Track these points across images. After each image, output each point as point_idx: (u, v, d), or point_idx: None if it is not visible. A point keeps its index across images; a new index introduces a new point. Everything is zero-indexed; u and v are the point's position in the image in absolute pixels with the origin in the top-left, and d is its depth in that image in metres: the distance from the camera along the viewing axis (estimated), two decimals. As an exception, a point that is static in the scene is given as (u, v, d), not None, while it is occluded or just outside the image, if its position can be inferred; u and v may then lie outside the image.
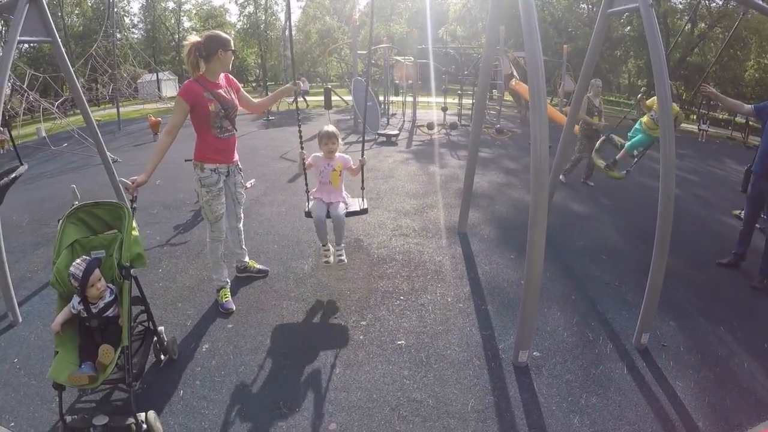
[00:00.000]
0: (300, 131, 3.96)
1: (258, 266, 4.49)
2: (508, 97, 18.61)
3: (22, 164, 5.29)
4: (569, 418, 2.72)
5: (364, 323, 3.69)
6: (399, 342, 3.43)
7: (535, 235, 2.84)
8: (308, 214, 3.95)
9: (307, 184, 4.09)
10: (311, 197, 4.05)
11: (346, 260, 4.04)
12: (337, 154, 3.95)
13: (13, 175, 5.11)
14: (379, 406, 2.82)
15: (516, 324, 3.27)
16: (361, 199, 4.19)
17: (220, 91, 3.54)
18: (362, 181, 4.24)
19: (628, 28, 25.45)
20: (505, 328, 3.57)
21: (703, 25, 23.25)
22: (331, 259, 3.99)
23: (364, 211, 4.13)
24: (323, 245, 4.02)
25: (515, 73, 14.58)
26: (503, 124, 12.80)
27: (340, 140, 3.98)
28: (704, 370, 3.15)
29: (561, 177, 7.35)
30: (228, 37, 3.51)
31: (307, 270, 4.60)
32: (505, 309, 3.85)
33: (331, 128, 3.92)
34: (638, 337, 3.37)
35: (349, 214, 4.03)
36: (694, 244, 5.33)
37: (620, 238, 5.45)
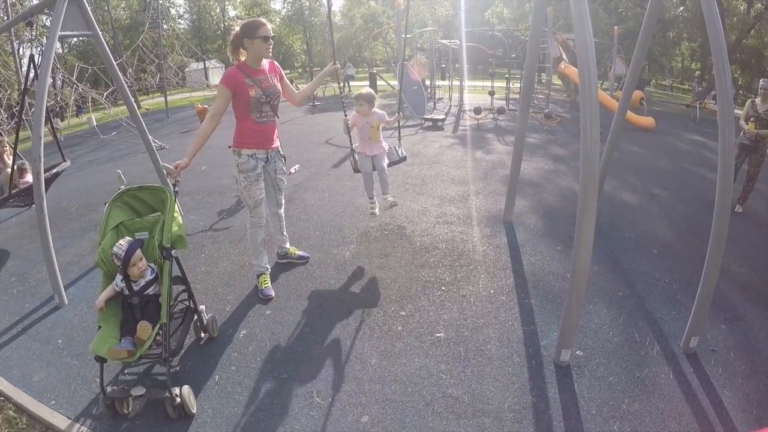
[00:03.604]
0: (344, 107, 4.56)
1: (299, 253, 4.50)
2: (557, 80, 18.02)
3: (65, 160, 5.50)
4: (609, 424, 2.57)
5: (403, 313, 3.63)
6: (438, 334, 3.35)
7: (584, 227, 2.68)
8: (356, 170, 4.60)
9: (351, 142, 4.61)
10: (356, 152, 4.60)
11: (397, 202, 4.89)
12: (375, 110, 4.40)
13: (56, 170, 5.38)
14: (413, 401, 2.76)
15: (560, 320, 3.13)
16: (397, 147, 4.92)
17: (262, 77, 3.53)
18: (399, 133, 5.29)
19: (681, 8, 24.09)
20: (548, 324, 3.43)
21: (759, 5, 21.70)
22: (377, 211, 4.76)
23: (403, 159, 4.92)
24: (370, 199, 4.74)
25: (564, 56, 14.07)
26: (552, 109, 12.39)
27: (375, 102, 4.43)
28: (754, 380, 2.91)
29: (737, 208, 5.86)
30: (257, 24, 3.43)
31: (348, 257, 4.57)
32: (549, 303, 3.70)
33: (364, 90, 4.46)
34: (687, 340, 3.14)
35: (391, 164, 4.73)
36: (750, 242, 4.97)
37: (672, 232, 5.15)
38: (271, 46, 3.50)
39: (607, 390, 2.81)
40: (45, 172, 4.89)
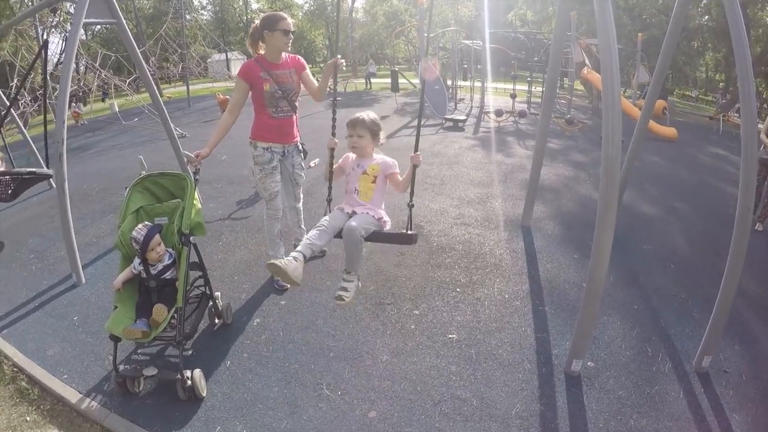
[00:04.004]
0: (334, 117, 2.87)
1: None
2: (579, 86, 17.85)
3: (48, 167, 5.31)
4: (615, 438, 2.54)
5: (417, 312, 3.63)
6: (450, 335, 3.35)
7: (602, 236, 2.65)
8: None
9: (330, 189, 2.91)
10: (332, 209, 2.84)
11: (348, 299, 2.67)
12: (378, 155, 2.85)
13: (32, 170, 5.11)
14: (421, 400, 2.77)
15: (573, 329, 3.10)
16: (408, 225, 2.72)
17: (279, 71, 3.52)
18: (411, 194, 2.75)
19: (706, 17, 23.61)
20: (561, 333, 3.39)
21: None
22: (290, 267, 2.44)
23: (408, 239, 2.66)
24: (295, 251, 2.56)
25: (587, 62, 13.93)
26: (573, 115, 12.28)
27: (381, 136, 2.81)
28: (765, 405, 2.83)
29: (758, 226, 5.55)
30: (278, 17, 3.43)
31: (364, 253, 4.54)
32: (563, 312, 3.66)
33: (365, 115, 2.76)
34: (700, 358, 3.08)
35: (381, 236, 2.72)
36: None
37: (691, 247, 5.06)
38: (290, 41, 3.50)
39: (616, 404, 2.77)
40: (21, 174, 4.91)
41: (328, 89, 3.59)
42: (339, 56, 3.08)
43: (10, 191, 5.12)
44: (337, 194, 2.87)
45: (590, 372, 3.02)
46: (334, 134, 2.89)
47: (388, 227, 2.77)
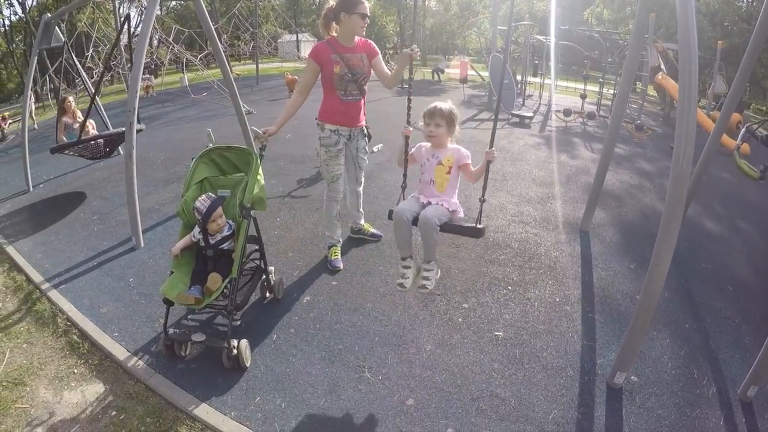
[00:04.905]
0: (409, 105, 3.01)
1: (372, 230, 4.56)
2: (651, 91, 17.04)
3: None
4: (650, 459, 2.46)
5: (466, 306, 3.63)
6: (497, 333, 3.33)
7: (662, 249, 2.56)
8: (391, 215, 2.84)
9: (405, 176, 3.04)
10: (406, 196, 3.00)
11: (431, 287, 2.86)
12: (452, 145, 2.92)
13: (122, 129, 5.37)
14: (460, 393, 2.78)
15: (620, 340, 3.03)
16: (477, 218, 2.85)
17: (350, 55, 3.54)
18: (483, 188, 2.86)
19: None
20: (608, 343, 3.31)
21: None
22: (408, 281, 2.88)
23: (476, 233, 2.82)
24: (402, 259, 2.94)
25: (663, 67, 13.26)
26: (644, 121, 11.72)
27: (455, 125, 2.89)
28: None
29: None
30: (357, 0, 3.41)
31: (420, 241, 4.57)
32: (613, 322, 3.56)
33: (442, 105, 2.83)
34: (746, 387, 2.91)
35: (452, 228, 2.84)
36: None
37: (752, 270, 4.74)
38: (366, 25, 3.51)
39: (655, 422, 2.68)
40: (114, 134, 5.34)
41: (401, 78, 3.59)
42: (414, 46, 3.07)
43: (107, 149, 5.84)
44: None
45: (632, 386, 2.94)
46: (408, 123, 2.97)
47: (461, 215, 2.91)
